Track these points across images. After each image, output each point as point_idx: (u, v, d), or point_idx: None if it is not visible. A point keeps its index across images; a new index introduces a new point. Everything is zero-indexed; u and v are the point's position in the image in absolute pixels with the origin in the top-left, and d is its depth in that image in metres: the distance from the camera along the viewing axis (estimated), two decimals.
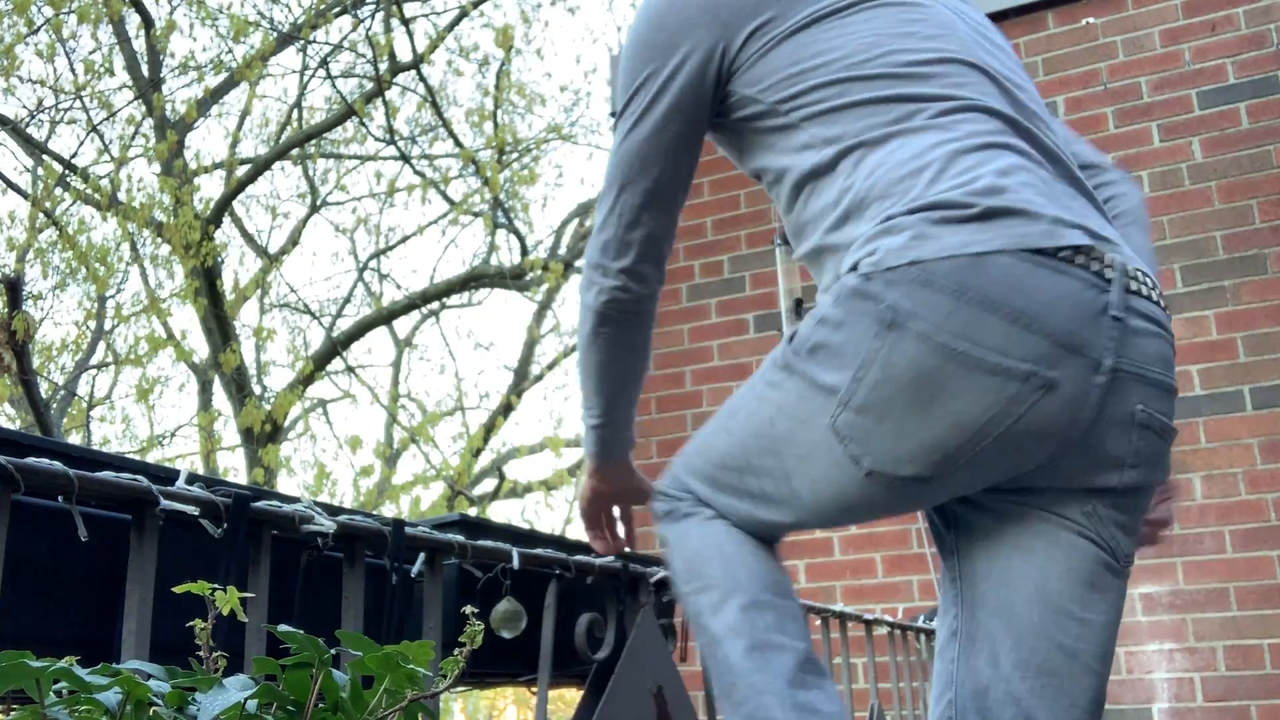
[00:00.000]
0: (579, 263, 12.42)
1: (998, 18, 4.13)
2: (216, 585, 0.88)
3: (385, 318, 12.07)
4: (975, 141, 1.23)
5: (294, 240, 11.69)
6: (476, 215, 11.57)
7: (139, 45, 9.32)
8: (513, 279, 11.44)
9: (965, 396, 1.15)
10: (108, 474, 1.18)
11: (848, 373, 1.19)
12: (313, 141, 10.77)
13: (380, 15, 9.48)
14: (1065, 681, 1.23)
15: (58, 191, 8.68)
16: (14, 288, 7.24)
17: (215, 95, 9.63)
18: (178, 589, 0.88)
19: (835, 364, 1.21)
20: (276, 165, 10.96)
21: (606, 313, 1.45)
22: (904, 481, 1.20)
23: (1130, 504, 1.23)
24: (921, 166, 1.21)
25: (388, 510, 11.12)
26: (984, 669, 1.25)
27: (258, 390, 10.71)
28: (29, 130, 9.17)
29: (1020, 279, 1.14)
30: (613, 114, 1.32)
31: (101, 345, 11.42)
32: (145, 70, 9.30)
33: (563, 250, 12.30)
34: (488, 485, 12.60)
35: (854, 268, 1.20)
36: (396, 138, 10.51)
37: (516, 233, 11.33)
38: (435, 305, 12.43)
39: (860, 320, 1.18)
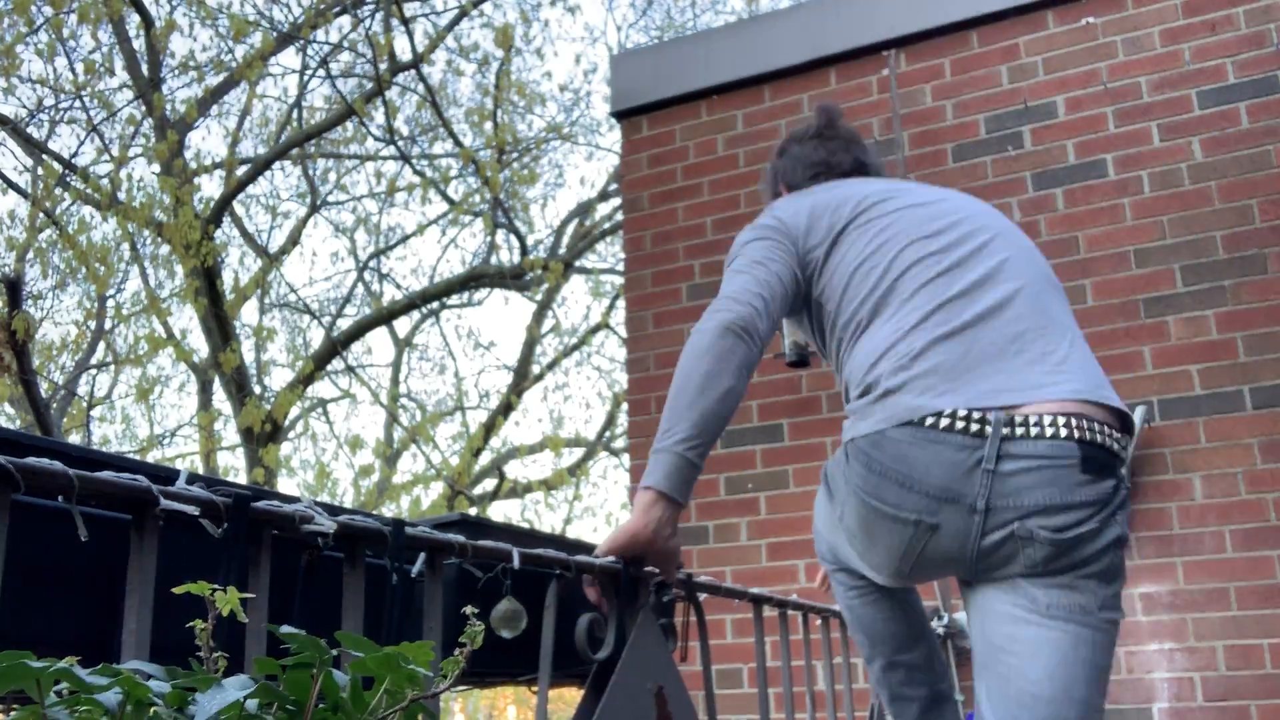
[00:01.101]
0: (579, 262, 12.42)
1: (997, 18, 4.13)
2: (217, 585, 0.88)
3: (385, 318, 12.07)
4: (905, 327, 1.65)
5: (294, 240, 11.69)
6: (476, 215, 11.57)
7: (139, 45, 9.32)
8: (513, 279, 11.44)
9: (886, 535, 1.62)
10: (108, 474, 1.18)
11: (837, 512, 1.72)
12: (313, 141, 10.77)
13: (380, 15, 9.48)
14: (1008, 695, 1.63)
15: (58, 191, 8.68)
16: (14, 287, 7.24)
17: (215, 95, 9.63)
18: (178, 589, 0.88)
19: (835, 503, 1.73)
20: (276, 165, 10.97)
21: (729, 326, 1.68)
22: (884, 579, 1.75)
23: (1051, 578, 1.60)
24: (871, 352, 1.68)
25: (388, 510, 11.13)
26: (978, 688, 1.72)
27: (258, 390, 10.71)
28: (29, 130, 9.17)
29: (904, 450, 1.57)
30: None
31: (101, 345, 11.42)
32: (145, 70, 9.29)
33: (563, 250, 12.30)
34: (488, 485, 12.61)
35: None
36: (396, 137, 10.51)
37: (516, 232, 11.33)
38: (435, 305, 12.44)
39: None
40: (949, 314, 1.64)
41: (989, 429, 1.54)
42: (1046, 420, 1.55)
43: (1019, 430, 1.54)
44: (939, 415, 1.55)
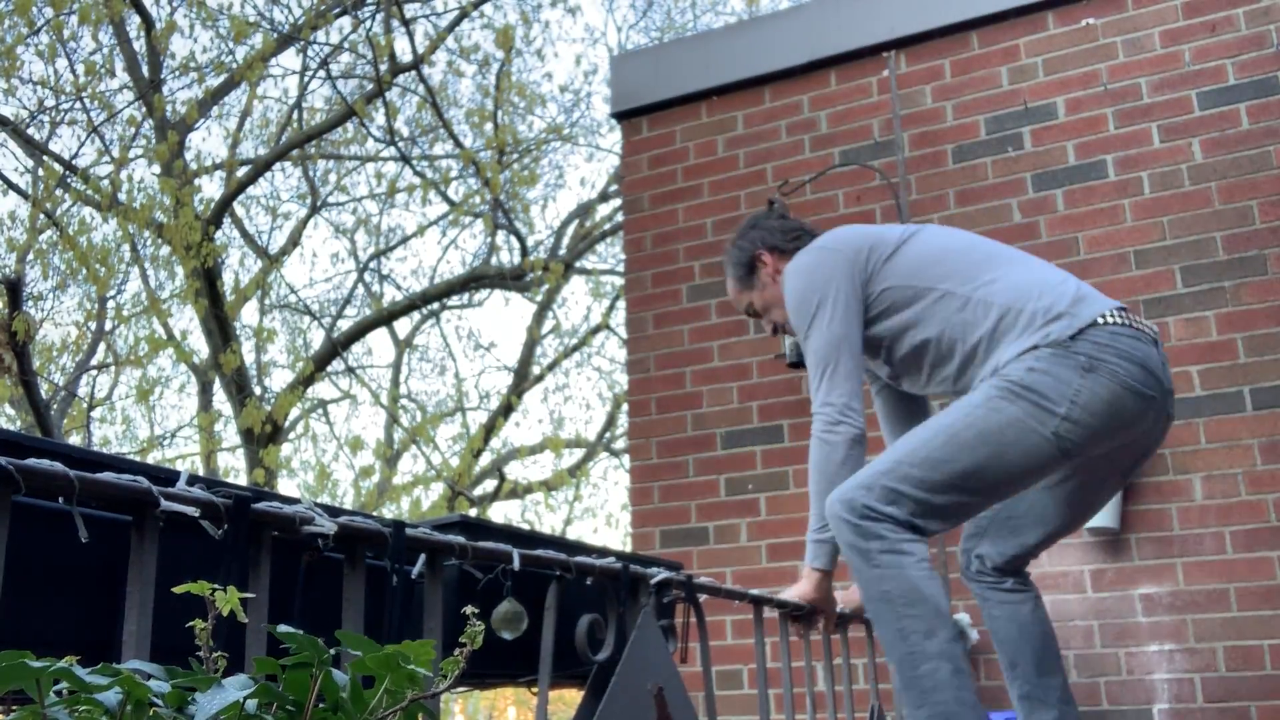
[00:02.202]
0: (579, 263, 12.42)
1: (998, 18, 4.13)
2: (217, 586, 0.88)
3: (385, 318, 12.06)
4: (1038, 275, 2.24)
5: (294, 241, 11.69)
6: (477, 216, 11.57)
7: (139, 46, 9.32)
8: (513, 279, 11.44)
9: (1133, 416, 2.08)
10: (108, 475, 1.18)
11: (1065, 399, 2.03)
12: (313, 142, 10.76)
13: (380, 16, 9.49)
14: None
15: (58, 192, 8.68)
16: (14, 288, 7.24)
17: (215, 96, 9.63)
18: (178, 589, 0.88)
19: (1050, 393, 2.03)
20: (276, 166, 10.96)
21: (855, 440, 2.19)
22: (1079, 456, 2.10)
23: None
24: (1028, 284, 2.21)
25: (388, 511, 11.12)
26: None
27: (258, 391, 10.71)
28: (29, 131, 9.17)
29: (1128, 341, 2.08)
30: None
31: (102, 346, 11.42)
32: (146, 71, 9.29)
33: (563, 251, 12.30)
34: (488, 486, 12.60)
35: (1033, 347, 2.08)
36: (397, 138, 10.50)
37: (517, 233, 11.33)
38: (435, 306, 12.43)
39: (1061, 367, 2.05)
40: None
41: (1147, 330, 2.13)
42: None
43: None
44: (1130, 316, 2.13)
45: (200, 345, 10.32)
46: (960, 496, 2.08)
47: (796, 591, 2.37)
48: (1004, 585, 2.39)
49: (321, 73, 10.05)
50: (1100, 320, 2.09)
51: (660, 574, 2.03)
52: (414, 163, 11.03)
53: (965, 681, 1.99)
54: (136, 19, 8.96)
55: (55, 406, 10.34)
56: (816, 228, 2.58)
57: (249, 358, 11.01)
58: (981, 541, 2.39)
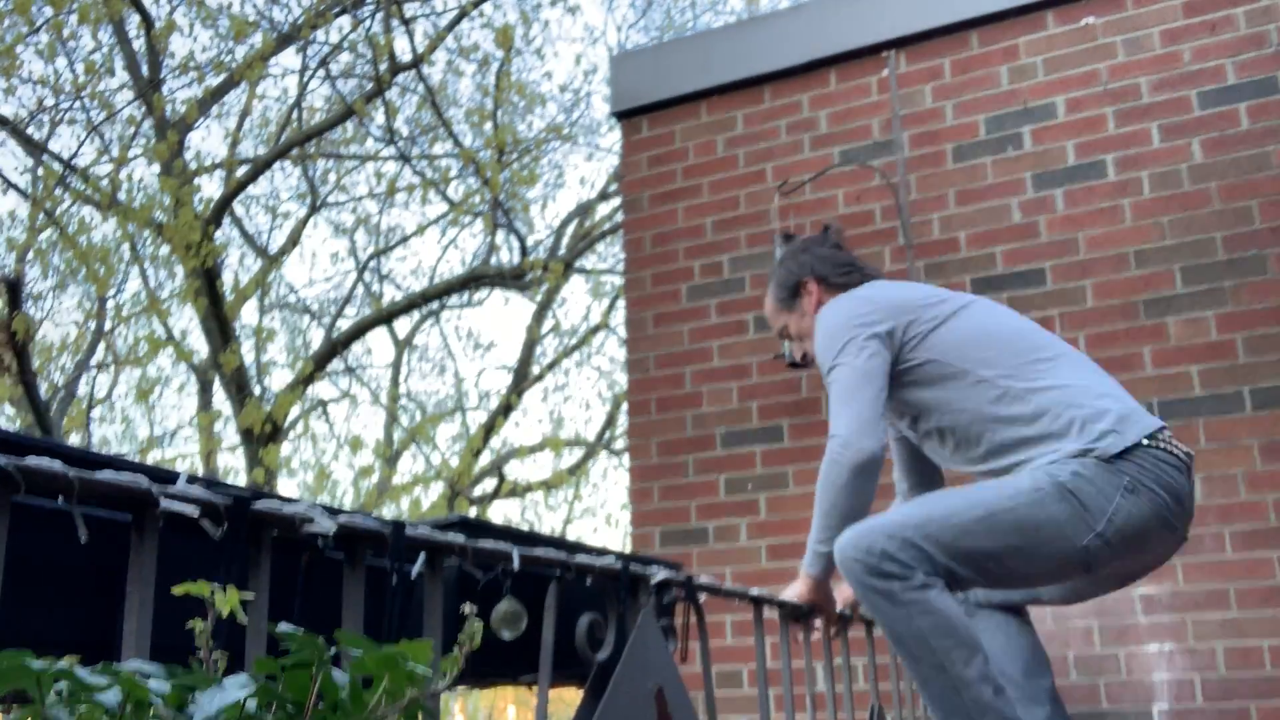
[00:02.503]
0: (579, 263, 12.42)
1: (997, 18, 4.13)
2: (216, 586, 0.88)
3: (385, 318, 12.07)
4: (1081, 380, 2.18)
5: (294, 240, 11.69)
6: (476, 215, 11.57)
7: (139, 46, 9.32)
8: (513, 279, 11.44)
9: (1158, 543, 2.08)
10: (108, 474, 1.18)
11: (1104, 513, 2.00)
12: (312, 141, 10.76)
13: (380, 15, 9.48)
14: None
15: (58, 192, 8.68)
16: (14, 288, 7.24)
17: (215, 95, 9.62)
18: (177, 589, 0.88)
19: (1091, 504, 2.00)
20: (276, 165, 10.96)
21: (864, 467, 2.12)
22: (1097, 571, 2.09)
23: None
24: (1079, 387, 2.15)
25: (388, 511, 11.13)
26: None
27: (258, 390, 10.71)
28: (29, 130, 9.17)
29: (1166, 469, 2.04)
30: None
31: (101, 346, 11.42)
32: (145, 70, 9.29)
33: (563, 251, 12.30)
34: (488, 486, 12.60)
35: (1083, 453, 2.03)
36: (396, 138, 10.50)
37: (516, 233, 11.33)
38: (435, 305, 12.43)
39: (1106, 482, 2.01)
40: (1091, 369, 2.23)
41: (1185, 458, 2.09)
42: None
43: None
44: (1172, 441, 2.08)
45: (200, 345, 10.33)
46: (976, 574, 2.06)
47: (794, 591, 2.36)
48: (992, 602, 2.43)
49: (321, 72, 10.06)
50: (1146, 442, 2.05)
51: (660, 574, 2.03)
52: (414, 162, 11.03)
53: (1006, 698, 2.00)
54: (136, 18, 8.96)
55: (55, 406, 10.34)
56: (869, 265, 2.51)
57: (249, 357, 11.02)
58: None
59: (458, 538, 1.62)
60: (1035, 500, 2.01)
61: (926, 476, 2.56)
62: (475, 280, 11.86)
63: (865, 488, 2.15)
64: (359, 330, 11.61)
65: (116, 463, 1.28)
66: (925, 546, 2.00)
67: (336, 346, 10.94)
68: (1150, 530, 2.03)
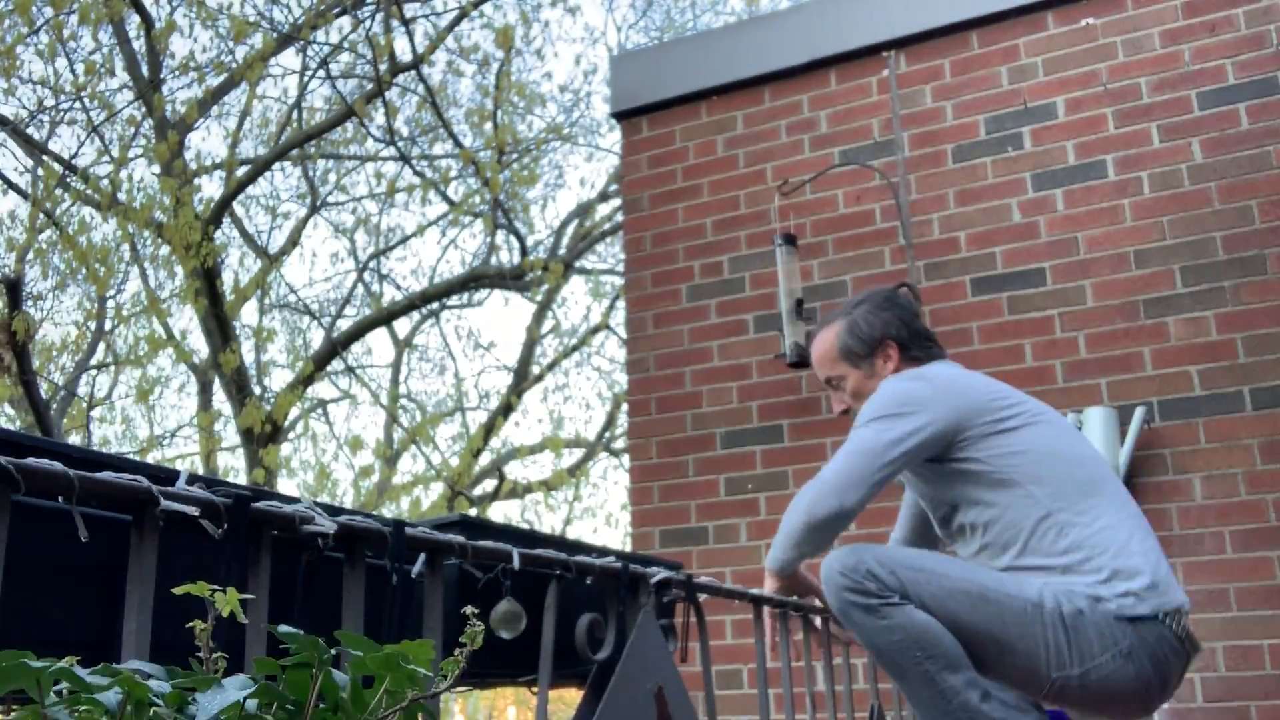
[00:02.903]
0: (579, 263, 12.42)
1: (997, 18, 4.13)
2: (216, 586, 0.88)
3: (385, 318, 12.06)
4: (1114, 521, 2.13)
5: (294, 241, 11.68)
6: (476, 216, 11.56)
7: (139, 46, 9.31)
8: (513, 279, 11.44)
9: (1125, 706, 2.04)
10: (108, 474, 1.18)
11: (1088, 661, 1.99)
12: (313, 142, 10.76)
13: (380, 15, 9.48)
14: None
15: (58, 192, 8.68)
16: (14, 288, 7.25)
17: (215, 96, 9.62)
18: (177, 590, 0.88)
19: (1081, 647, 1.99)
20: (276, 166, 10.96)
21: (839, 519, 2.12)
22: (1054, 704, 2.09)
23: None
24: (1117, 534, 2.10)
25: (388, 511, 11.12)
26: None
27: (258, 390, 10.70)
28: (29, 131, 9.16)
29: (1167, 649, 2.03)
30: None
31: (102, 346, 11.42)
32: (145, 71, 9.29)
33: (563, 251, 12.29)
34: (488, 486, 12.60)
35: (1098, 599, 2.01)
36: (396, 138, 10.50)
37: (516, 233, 11.33)
38: (435, 306, 12.43)
39: (1106, 636, 1.99)
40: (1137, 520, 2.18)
41: (1186, 642, 2.07)
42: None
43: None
44: (1184, 627, 2.06)
45: (200, 345, 10.33)
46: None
47: (769, 589, 2.32)
48: None
49: (321, 72, 10.06)
50: (1161, 617, 2.02)
51: (660, 573, 2.03)
52: (414, 162, 11.03)
53: (995, 703, 2.00)
54: (136, 18, 8.95)
55: (55, 406, 10.34)
56: (944, 344, 2.45)
57: (249, 357, 11.01)
58: None
59: (458, 538, 1.62)
60: (1031, 612, 2.00)
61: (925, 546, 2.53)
62: (475, 280, 11.86)
63: (832, 538, 2.18)
64: (359, 330, 11.61)
65: (117, 462, 1.28)
66: (910, 588, 2.00)
67: (336, 346, 10.94)
68: (1125, 698, 2.02)
